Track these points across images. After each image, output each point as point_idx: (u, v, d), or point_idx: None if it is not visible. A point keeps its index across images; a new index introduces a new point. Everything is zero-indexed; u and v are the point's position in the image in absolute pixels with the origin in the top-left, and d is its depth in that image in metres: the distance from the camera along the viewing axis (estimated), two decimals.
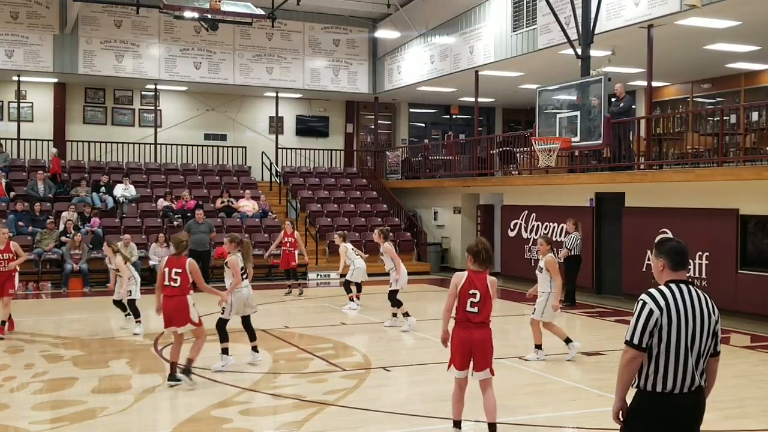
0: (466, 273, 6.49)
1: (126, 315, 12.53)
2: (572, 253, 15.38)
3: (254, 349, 9.78)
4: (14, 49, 20.84)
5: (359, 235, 21.81)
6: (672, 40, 15.62)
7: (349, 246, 15.04)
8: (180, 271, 8.49)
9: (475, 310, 6.37)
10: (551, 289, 9.93)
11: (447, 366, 6.62)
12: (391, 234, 13.55)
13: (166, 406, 8.10)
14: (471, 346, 6.40)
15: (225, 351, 9.45)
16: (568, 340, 10.18)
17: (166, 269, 8.54)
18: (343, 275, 14.94)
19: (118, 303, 12.61)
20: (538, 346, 10.17)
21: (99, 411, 7.61)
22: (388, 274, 12.95)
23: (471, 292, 6.36)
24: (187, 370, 8.54)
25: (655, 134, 16.60)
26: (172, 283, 8.48)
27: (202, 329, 8.78)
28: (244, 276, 9.53)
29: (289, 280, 17.01)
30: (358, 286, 14.88)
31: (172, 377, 8.54)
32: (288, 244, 16.52)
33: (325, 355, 10.46)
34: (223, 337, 9.44)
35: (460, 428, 6.62)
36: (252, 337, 9.77)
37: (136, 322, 12.06)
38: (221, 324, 9.45)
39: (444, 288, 18.98)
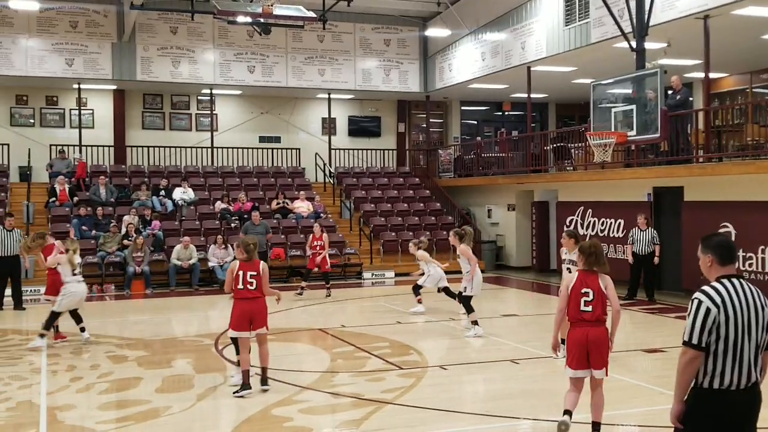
0: (576, 274, 6.63)
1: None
2: (649, 250, 15.28)
3: None
4: (74, 58, 21.42)
5: (412, 234, 21.84)
6: (729, 30, 15.28)
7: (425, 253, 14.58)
8: (255, 273, 8.40)
9: (589, 308, 6.47)
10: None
11: (564, 366, 6.73)
12: (470, 231, 12.55)
13: (228, 405, 8.24)
14: (587, 345, 6.45)
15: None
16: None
17: (241, 272, 8.41)
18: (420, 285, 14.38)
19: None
20: None
21: (162, 410, 7.79)
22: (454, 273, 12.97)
23: (583, 291, 6.48)
24: (264, 379, 8.49)
25: (713, 126, 16.27)
26: (249, 286, 8.40)
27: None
28: None
29: (305, 282, 16.86)
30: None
31: (264, 381, 8.44)
32: (317, 247, 16.72)
33: (382, 353, 10.52)
34: None
35: (570, 416, 6.58)
36: None
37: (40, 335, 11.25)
38: None
39: (499, 286, 18.92)
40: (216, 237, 19.16)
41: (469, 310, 11.85)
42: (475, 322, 11.71)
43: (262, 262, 8.55)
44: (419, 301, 14.26)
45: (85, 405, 8.17)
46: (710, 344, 4.03)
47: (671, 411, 4.20)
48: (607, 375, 6.55)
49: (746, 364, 4.03)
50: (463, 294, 11.87)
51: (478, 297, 12.18)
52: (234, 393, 8.24)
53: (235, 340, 8.68)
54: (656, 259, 15.38)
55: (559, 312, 6.70)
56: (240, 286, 8.33)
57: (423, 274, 14.27)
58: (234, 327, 8.42)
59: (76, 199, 20.39)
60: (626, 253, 15.85)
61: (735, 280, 4.12)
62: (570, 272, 9.64)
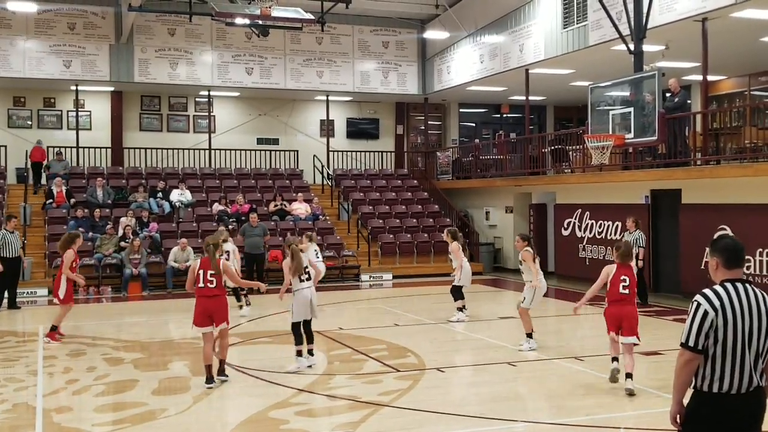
0: (615, 265, 8.54)
1: None
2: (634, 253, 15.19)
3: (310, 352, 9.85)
4: (72, 59, 21.40)
5: (410, 236, 21.85)
6: (727, 33, 15.29)
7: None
8: (214, 272, 8.79)
9: (627, 291, 8.40)
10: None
11: (607, 331, 8.52)
12: (460, 234, 13.88)
13: (224, 407, 8.23)
14: (621, 318, 8.34)
15: (299, 353, 9.61)
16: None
17: (201, 271, 8.81)
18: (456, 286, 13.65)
19: None
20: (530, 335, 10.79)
21: (159, 413, 7.77)
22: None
23: (622, 278, 8.40)
24: (222, 370, 8.95)
25: (711, 129, 16.27)
26: (209, 284, 8.77)
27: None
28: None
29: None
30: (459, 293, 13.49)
31: (222, 372, 8.94)
32: None
33: (380, 356, 10.50)
34: (297, 340, 9.64)
35: (618, 362, 8.42)
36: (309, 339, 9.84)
37: None
38: (293, 327, 9.64)
39: (497, 288, 18.91)
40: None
41: (457, 297, 13.11)
42: (461, 308, 12.84)
43: (222, 260, 9.04)
44: (461, 308, 13.33)
45: (82, 407, 8.14)
46: (708, 347, 4.00)
47: (670, 412, 4.19)
48: (639, 340, 8.37)
49: (747, 369, 4.00)
50: (454, 284, 13.05)
51: (468, 288, 13.44)
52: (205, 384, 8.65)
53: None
54: (640, 263, 15.09)
55: (592, 290, 8.66)
56: (200, 284, 8.77)
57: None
58: (196, 323, 8.83)
59: (73, 200, 20.36)
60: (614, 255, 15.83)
61: (739, 284, 4.09)
62: (521, 270, 11.09)
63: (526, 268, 10.95)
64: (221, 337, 8.93)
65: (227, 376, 8.96)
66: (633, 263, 8.66)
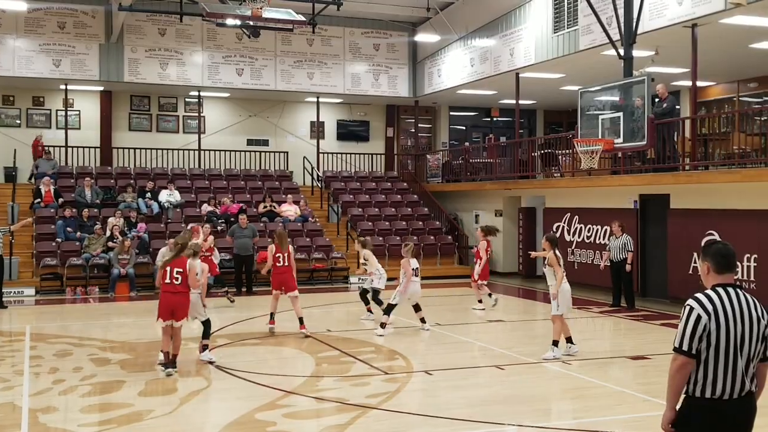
0: None
1: None
2: (622, 257, 15.28)
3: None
4: (61, 59, 21.30)
5: (400, 239, 21.84)
6: (716, 39, 15.37)
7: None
8: (181, 270, 9.38)
9: None
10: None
11: None
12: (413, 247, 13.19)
13: (211, 409, 8.20)
14: None
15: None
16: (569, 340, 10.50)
17: (168, 268, 9.44)
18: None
19: None
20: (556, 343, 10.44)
21: (145, 414, 7.74)
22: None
23: None
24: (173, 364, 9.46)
25: (700, 134, 16.35)
26: (174, 281, 9.36)
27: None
28: None
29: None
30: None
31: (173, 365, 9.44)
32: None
33: (368, 358, 10.49)
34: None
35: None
36: None
37: None
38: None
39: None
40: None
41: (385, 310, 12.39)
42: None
43: (189, 260, 9.52)
44: (370, 310, 13.93)
45: (68, 407, 8.11)
46: (701, 351, 4.01)
47: (663, 417, 4.18)
48: None
49: (739, 374, 4.02)
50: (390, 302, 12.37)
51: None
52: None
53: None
54: (628, 267, 15.30)
55: None
56: (167, 280, 9.40)
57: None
58: (160, 316, 9.51)
59: (61, 200, 20.26)
60: (603, 259, 15.95)
61: (731, 289, 4.11)
62: (545, 273, 10.72)
63: (550, 272, 10.57)
64: (176, 334, 9.52)
65: (176, 368, 9.44)
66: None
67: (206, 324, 10.27)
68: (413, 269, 12.42)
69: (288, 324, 13.07)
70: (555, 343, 10.34)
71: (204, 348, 10.25)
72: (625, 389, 8.72)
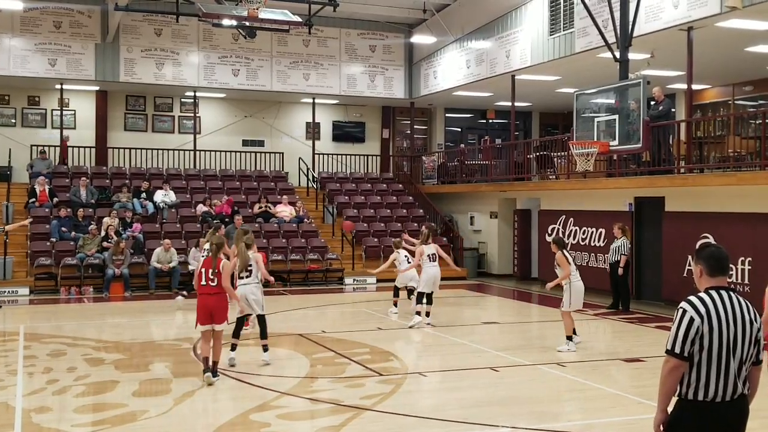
0: None
1: None
2: (616, 260, 15.28)
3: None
4: (57, 58, 21.26)
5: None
6: (712, 43, 15.40)
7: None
8: (216, 271, 9.01)
9: None
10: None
11: None
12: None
13: (205, 409, 8.19)
14: None
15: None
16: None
17: (203, 270, 9.07)
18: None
19: None
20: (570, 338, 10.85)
21: (139, 414, 7.72)
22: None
23: None
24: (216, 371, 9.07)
25: (695, 138, 16.36)
26: (210, 283, 9.00)
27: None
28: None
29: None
30: None
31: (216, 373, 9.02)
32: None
33: (362, 359, 10.48)
34: None
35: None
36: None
37: None
38: None
39: (481, 293, 18.93)
40: (197, 240, 18.99)
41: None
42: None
43: (223, 261, 9.16)
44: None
45: (62, 407, 8.09)
46: (693, 354, 4.01)
47: (654, 420, 4.18)
48: None
49: (732, 377, 4.02)
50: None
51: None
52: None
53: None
54: (620, 270, 15.27)
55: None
56: (203, 282, 9.05)
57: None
58: (198, 321, 9.07)
59: (56, 200, 20.22)
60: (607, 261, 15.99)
61: (723, 292, 4.11)
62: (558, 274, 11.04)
63: (560, 272, 11.00)
64: (216, 338, 9.07)
65: (218, 376, 9.05)
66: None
67: (261, 321, 10.12)
68: (428, 255, 13.15)
69: (282, 325, 13.08)
70: (569, 338, 10.90)
71: (265, 349, 10.07)
72: (619, 392, 8.72)
